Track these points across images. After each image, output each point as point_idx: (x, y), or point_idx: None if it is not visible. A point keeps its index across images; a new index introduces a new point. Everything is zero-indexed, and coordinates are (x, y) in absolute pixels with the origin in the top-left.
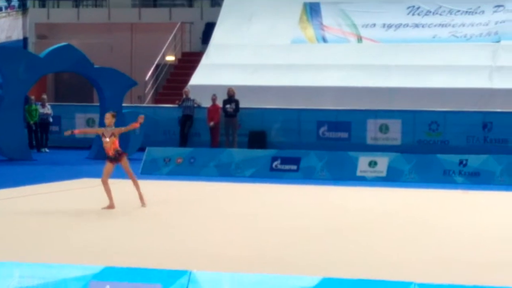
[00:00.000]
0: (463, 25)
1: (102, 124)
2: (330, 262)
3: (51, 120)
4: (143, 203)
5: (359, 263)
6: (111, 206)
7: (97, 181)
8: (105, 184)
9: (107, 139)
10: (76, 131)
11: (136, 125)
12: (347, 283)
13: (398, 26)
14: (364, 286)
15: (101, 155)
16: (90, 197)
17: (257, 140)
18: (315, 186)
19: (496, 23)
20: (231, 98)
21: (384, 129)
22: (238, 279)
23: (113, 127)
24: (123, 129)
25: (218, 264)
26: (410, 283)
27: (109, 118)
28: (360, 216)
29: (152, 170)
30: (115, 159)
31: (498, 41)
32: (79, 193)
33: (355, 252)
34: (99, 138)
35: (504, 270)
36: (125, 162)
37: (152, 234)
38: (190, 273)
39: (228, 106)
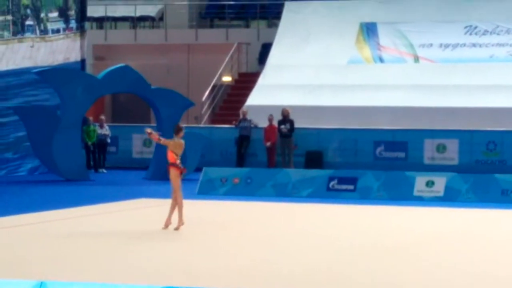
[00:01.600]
0: None
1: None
2: (383, 282)
3: (109, 140)
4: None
5: (411, 284)
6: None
7: (155, 201)
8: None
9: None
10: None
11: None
12: None
13: (455, 46)
14: None
15: (158, 175)
16: (148, 217)
17: (314, 160)
18: (372, 206)
19: None
20: (285, 118)
21: (441, 149)
22: None
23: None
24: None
25: (272, 282)
26: None
27: (182, 134)
28: (416, 236)
29: (208, 190)
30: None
31: None
32: (137, 213)
33: (408, 273)
34: (156, 158)
35: None
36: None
37: (212, 255)
38: None
39: (282, 126)
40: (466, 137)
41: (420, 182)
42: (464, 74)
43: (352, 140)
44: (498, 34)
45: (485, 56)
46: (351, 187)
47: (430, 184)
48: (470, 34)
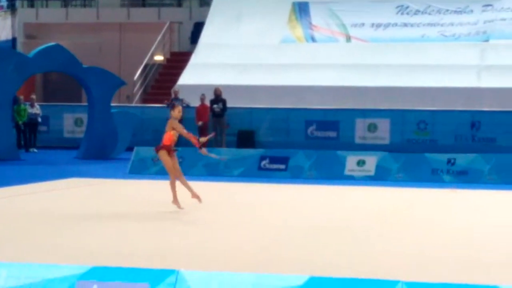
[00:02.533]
0: (452, 24)
1: (91, 123)
2: (317, 261)
3: (39, 120)
4: (198, 199)
5: (346, 262)
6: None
7: (86, 181)
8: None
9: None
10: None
11: (194, 141)
12: (334, 282)
13: (387, 25)
14: (351, 285)
15: (89, 155)
16: (80, 196)
17: (246, 139)
18: (304, 185)
19: (484, 22)
20: (218, 98)
21: (372, 128)
22: (226, 278)
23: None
24: (181, 131)
25: (206, 263)
26: (397, 282)
27: (180, 111)
28: (348, 215)
29: (140, 170)
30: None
31: (486, 40)
32: (68, 192)
33: (342, 251)
34: (88, 137)
35: (492, 269)
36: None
37: (141, 234)
38: (178, 272)
39: (215, 106)
40: (397, 117)
41: (351, 161)
42: (396, 53)
43: (284, 120)
44: (429, 14)
45: (416, 35)
46: (282, 166)
47: (361, 163)
48: (402, 13)
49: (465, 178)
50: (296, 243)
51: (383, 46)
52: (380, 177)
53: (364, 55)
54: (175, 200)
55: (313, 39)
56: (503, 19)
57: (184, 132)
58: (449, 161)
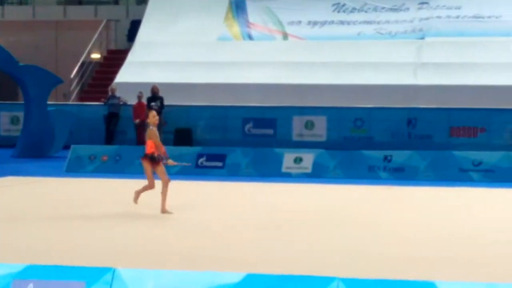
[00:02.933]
0: (388, 22)
1: (27, 121)
2: (254, 258)
3: None
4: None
5: (283, 259)
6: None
7: (23, 179)
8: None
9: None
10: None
11: (163, 156)
12: (271, 279)
13: (323, 23)
14: (288, 282)
15: (25, 153)
16: (17, 195)
17: (183, 137)
18: (241, 182)
19: (420, 20)
20: (155, 95)
21: (309, 125)
22: (162, 276)
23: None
24: (157, 142)
25: (143, 261)
26: (333, 278)
27: (155, 116)
28: (285, 212)
29: (77, 168)
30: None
31: (422, 38)
32: (5, 191)
33: (279, 248)
34: (24, 136)
35: (428, 265)
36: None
37: (78, 233)
38: (114, 270)
39: (153, 103)
40: (334, 114)
41: (288, 158)
42: (332, 51)
43: (221, 117)
44: (365, 11)
45: (353, 33)
46: (219, 164)
47: (298, 160)
48: (338, 11)
49: (402, 175)
50: (232, 241)
51: (319, 43)
52: (317, 174)
53: (301, 52)
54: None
55: (250, 37)
56: (439, 17)
57: (158, 149)
58: (385, 158)
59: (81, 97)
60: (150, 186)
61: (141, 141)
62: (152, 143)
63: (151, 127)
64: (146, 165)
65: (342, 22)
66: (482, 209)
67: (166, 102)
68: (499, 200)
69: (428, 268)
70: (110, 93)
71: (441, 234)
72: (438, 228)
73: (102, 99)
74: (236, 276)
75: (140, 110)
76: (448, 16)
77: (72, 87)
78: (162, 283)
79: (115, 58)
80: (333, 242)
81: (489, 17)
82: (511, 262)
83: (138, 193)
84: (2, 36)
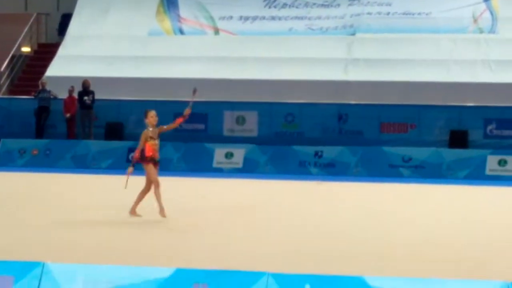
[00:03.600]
0: (319, 17)
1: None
2: (183, 253)
3: None
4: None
5: (214, 254)
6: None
7: None
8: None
9: (157, 141)
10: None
11: (181, 120)
12: (201, 274)
13: (254, 18)
14: (218, 277)
15: None
16: None
17: (114, 131)
18: (172, 177)
19: (351, 16)
20: (86, 89)
21: (240, 121)
22: (92, 270)
23: (156, 127)
24: (166, 128)
25: (72, 256)
26: (263, 274)
27: (154, 116)
28: (214, 208)
29: (6, 162)
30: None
31: (353, 34)
32: None
33: (209, 244)
34: None
35: (357, 260)
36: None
37: (7, 227)
38: (44, 264)
39: (85, 98)
40: (265, 109)
41: (219, 153)
42: (264, 46)
43: None
44: (297, 7)
45: (284, 29)
46: None
47: (229, 155)
48: (270, 7)
49: (332, 170)
50: (162, 236)
51: (251, 39)
52: (248, 169)
53: (232, 48)
54: (161, 208)
55: (181, 32)
56: (370, 13)
57: (171, 126)
58: (316, 153)
59: (11, 91)
60: (158, 184)
61: (71, 135)
62: (148, 145)
63: (148, 128)
64: (150, 168)
65: (273, 18)
66: (411, 205)
67: (97, 97)
68: (428, 196)
69: (357, 263)
70: (40, 87)
71: (370, 229)
72: (367, 224)
73: (33, 93)
74: (166, 271)
75: (71, 104)
76: (379, 13)
77: (2, 80)
78: (92, 277)
79: (46, 52)
80: (262, 237)
81: (419, 13)
82: (437, 258)
83: (136, 205)
84: None
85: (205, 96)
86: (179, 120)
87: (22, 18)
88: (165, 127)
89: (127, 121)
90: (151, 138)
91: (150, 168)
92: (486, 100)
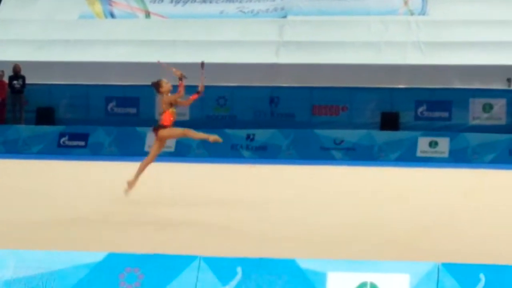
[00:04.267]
0: (250, 0)
1: None
2: (116, 238)
3: None
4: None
5: (145, 238)
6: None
7: None
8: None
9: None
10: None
11: (196, 96)
12: (133, 258)
13: (186, 1)
14: (150, 261)
15: None
16: None
17: (45, 116)
18: (104, 162)
19: None
20: (17, 74)
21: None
22: (23, 255)
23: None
24: (180, 101)
25: (3, 241)
26: (195, 257)
27: (169, 83)
28: (145, 192)
29: None
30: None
31: (284, 17)
32: None
33: (141, 228)
34: None
35: (289, 244)
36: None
37: None
38: None
39: (15, 82)
40: None
41: (151, 138)
42: (195, 29)
43: (83, 96)
44: None
45: (215, 12)
46: (82, 143)
47: None
48: None
49: (264, 153)
50: (95, 220)
51: (182, 22)
52: (181, 153)
53: (163, 31)
54: (134, 181)
55: (112, 15)
56: None
57: (186, 102)
58: (248, 136)
59: None
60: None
61: (2, 120)
62: (169, 114)
63: (165, 95)
64: (172, 132)
65: (204, 1)
66: (342, 187)
67: (28, 81)
68: (359, 178)
69: (289, 246)
70: None
71: (301, 213)
72: (298, 207)
73: None
74: (98, 255)
75: (1, 89)
76: None
77: None
78: (23, 263)
79: None
80: (194, 221)
81: None
82: (369, 240)
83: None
84: None
85: (137, 80)
86: (194, 97)
87: None
88: (179, 100)
89: (58, 105)
90: (172, 105)
91: (169, 131)
92: (417, 82)
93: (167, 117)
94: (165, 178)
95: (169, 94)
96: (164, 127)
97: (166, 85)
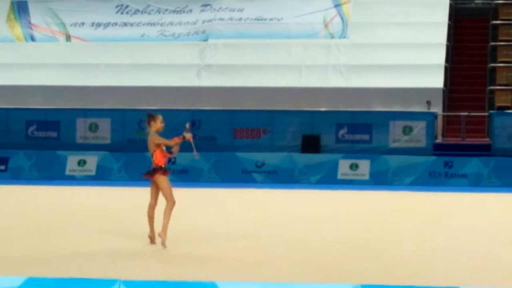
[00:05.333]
0: (172, 24)
1: None
2: (38, 261)
3: None
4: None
5: (69, 262)
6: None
7: None
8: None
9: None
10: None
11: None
12: (51, 282)
13: (106, 25)
14: (70, 285)
15: None
16: None
17: None
18: (24, 186)
19: (203, 22)
20: None
21: (93, 128)
22: None
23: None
24: (165, 141)
25: None
26: (115, 281)
27: (162, 122)
28: (65, 215)
29: None
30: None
31: (205, 40)
32: None
33: (64, 251)
34: None
35: (207, 265)
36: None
37: None
38: None
39: None
40: (118, 116)
41: (72, 161)
42: (116, 53)
43: (3, 120)
44: (149, 13)
45: (136, 35)
46: (2, 167)
47: (82, 163)
48: (122, 13)
49: (186, 176)
50: (17, 242)
51: (103, 45)
52: (102, 176)
53: (84, 54)
54: (164, 231)
55: (32, 39)
56: (221, 19)
57: (171, 143)
58: (169, 160)
59: None
60: (173, 202)
61: None
62: (160, 153)
63: (153, 133)
64: (165, 182)
65: (125, 24)
66: (264, 209)
67: None
68: (280, 201)
69: (212, 268)
70: None
71: (223, 236)
72: (220, 230)
73: None
74: (17, 280)
75: None
76: (231, 18)
77: None
78: None
79: None
80: (114, 244)
81: (271, 19)
82: (290, 262)
83: (165, 230)
84: None
85: (57, 104)
86: (176, 140)
87: None
88: (166, 140)
89: None
90: (159, 145)
91: (164, 180)
92: (337, 104)
93: (159, 156)
94: (83, 202)
95: (156, 135)
96: (160, 168)
97: (160, 124)
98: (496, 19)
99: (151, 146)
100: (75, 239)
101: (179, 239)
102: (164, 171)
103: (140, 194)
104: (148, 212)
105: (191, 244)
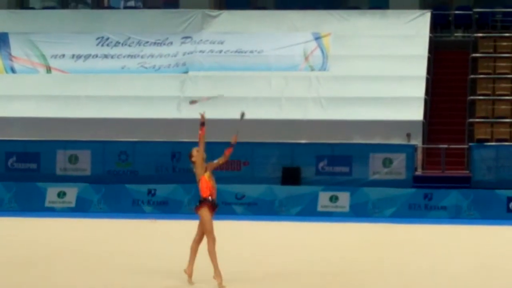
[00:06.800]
0: (152, 56)
1: None
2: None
3: None
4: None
5: None
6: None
7: None
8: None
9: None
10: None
11: (230, 150)
12: None
13: (87, 57)
14: None
15: None
16: None
17: None
18: (3, 218)
19: (184, 54)
20: None
21: (73, 159)
22: None
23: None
24: (216, 163)
25: None
26: None
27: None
28: (43, 248)
29: None
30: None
31: (186, 72)
32: None
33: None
34: None
35: None
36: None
37: None
38: None
39: None
40: (98, 148)
41: (51, 193)
42: (96, 85)
43: None
44: (129, 45)
45: (116, 67)
46: None
47: (61, 195)
48: (102, 45)
49: (166, 208)
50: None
51: (83, 77)
52: (81, 208)
53: (64, 86)
54: (217, 273)
55: (13, 70)
56: (202, 51)
57: (221, 161)
58: (149, 191)
59: None
60: (213, 239)
61: None
62: (207, 181)
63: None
64: (208, 217)
65: (106, 56)
66: (244, 242)
67: None
68: (260, 233)
69: None
70: None
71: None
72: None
73: None
74: None
75: None
76: (211, 51)
77: None
78: None
79: None
80: (91, 275)
81: (251, 51)
82: None
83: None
84: None
85: (37, 135)
86: (229, 151)
87: None
88: (215, 162)
89: None
90: (206, 170)
91: (206, 213)
92: (317, 137)
93: (204, 185)
94: (63, 234)
95: (204, 164)
96: (204, 200)
97: (198, 153)
98: (476, 52)
99: (199, 172)
100: (55, 274)
101: (156, 271)
102: (209, 205)
103: (120, 226)
104: (191, 245)
105: (161, 277)
